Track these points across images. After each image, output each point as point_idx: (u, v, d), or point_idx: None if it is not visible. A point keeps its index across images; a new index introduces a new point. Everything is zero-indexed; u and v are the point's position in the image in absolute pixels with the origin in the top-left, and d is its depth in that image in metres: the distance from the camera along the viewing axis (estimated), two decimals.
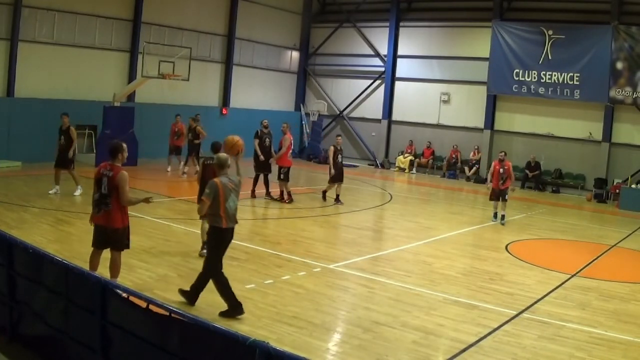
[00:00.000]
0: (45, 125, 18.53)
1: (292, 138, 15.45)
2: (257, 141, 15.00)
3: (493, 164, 14.63)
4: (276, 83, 27.99)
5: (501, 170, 14.16)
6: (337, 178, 15.48)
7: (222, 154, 7.27)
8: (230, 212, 7.04)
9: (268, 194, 15.23)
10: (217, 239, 7.12)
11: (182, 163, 18.76)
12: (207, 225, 10.61)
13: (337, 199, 15.47)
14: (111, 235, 7.13)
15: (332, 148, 15.64)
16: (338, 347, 6.47)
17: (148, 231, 10.92)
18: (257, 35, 26.37)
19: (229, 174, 7.16)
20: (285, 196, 15.03)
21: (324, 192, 15.88)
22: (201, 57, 23.58)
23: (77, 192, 13.68)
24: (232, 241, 10.40)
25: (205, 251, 10.27)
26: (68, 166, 13.62)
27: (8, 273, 5.99)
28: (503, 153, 14.61)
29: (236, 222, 7.21)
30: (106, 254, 7.39)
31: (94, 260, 7.31)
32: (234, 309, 6.86)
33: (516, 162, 23.48)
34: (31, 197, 13.00)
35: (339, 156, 15.56)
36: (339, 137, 16.44)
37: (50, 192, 13.57)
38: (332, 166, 15.36)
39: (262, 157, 14.92)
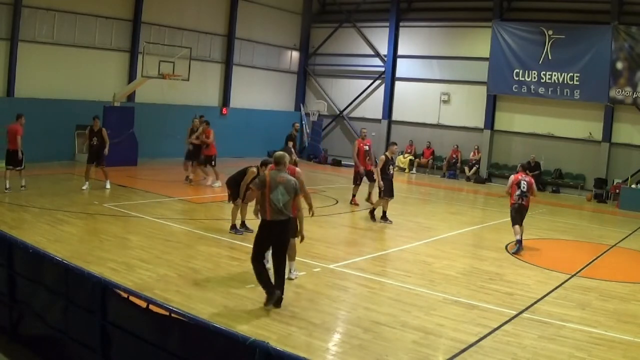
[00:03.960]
0: (45, 125, 18.55)
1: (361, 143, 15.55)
2: (291, 143, 15.45)
3: (512, 178, 11.88)
4: (276, 83, 27.99)
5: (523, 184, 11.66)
6: (387, 193, 13.42)
7: (280, 152, 7.52)
8: (274, 205, 7.09)
9: None
10: (259, 229, 7.35)
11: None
12: (235, 208, 11.09)
13: (384, 217, 13.58)
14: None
15: (382, 157, 13.37)
16: (338, 347, 6.46)
17: (148, 231, 10.92)
18: (257, 35, 26.37)
19: (284, 171, 7.37)
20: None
21: (372, 211, 13.69)
22: (201, 57, 23.58)
23: (108, 186, 14.76)
24: (232, 241, 10.55)
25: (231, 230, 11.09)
26: (101, 163, 14.67)
27: (8, 273, 5.99)
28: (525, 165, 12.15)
29: (285, 217, 7.21)
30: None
31: None
32: (269, 295, 7.11)
33: (516, 162, 23.45)
34: (31, 197, 13.00)
35: (391, 167, 13.52)
36: (395, 146, 13.81)
37: (83, 188, 14.35)
38: (379, 179, 13.21)
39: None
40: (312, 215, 8.75)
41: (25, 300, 5.86)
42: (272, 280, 7.34)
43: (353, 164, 15.94)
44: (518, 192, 11.70)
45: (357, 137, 27.22)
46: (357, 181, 15.63)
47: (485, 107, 23.94)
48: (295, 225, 7.83)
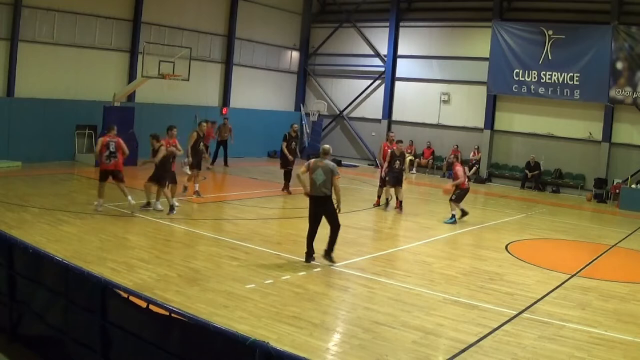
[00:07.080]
0: (45, 125, 18.56)
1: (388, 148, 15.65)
2: (284, 144, 16.70)
3: (460, 168, 14.69)
4: (276, 83, 27.99)
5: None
6: (390, 182, 15.34)
7: (327, 145, 9.82)
8: (315, 183, 9.37)
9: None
10: (309, 204, 9.58)
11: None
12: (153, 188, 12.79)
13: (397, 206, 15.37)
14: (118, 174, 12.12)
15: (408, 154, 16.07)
16: (338, 347, 6.47)
17: (148, 231, 10.93)
18: (257, 35, 26.36)
19: (326, 160, 9.53)
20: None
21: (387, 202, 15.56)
22: (201, 57, 23.57)
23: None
24: (232, 240, 10.57)
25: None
26: None
27: (8, 273, 5.99)
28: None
29: (323, 194, 9.35)
30: None
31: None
32: (307, 255, 9.56)
33: (516, 162, 23.56)
34: (31, 197, 12.99)
35: (397, 162, 15.18)
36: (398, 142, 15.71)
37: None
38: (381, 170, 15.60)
39: (291, 158, 16.58)
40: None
41: (25, 300, 5.86)
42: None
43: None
44: (466, 179, 14.53)
45: (357, 137, 27.41)
46: (380, 183, 15.79)
47: (485, 107, 23.93)
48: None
